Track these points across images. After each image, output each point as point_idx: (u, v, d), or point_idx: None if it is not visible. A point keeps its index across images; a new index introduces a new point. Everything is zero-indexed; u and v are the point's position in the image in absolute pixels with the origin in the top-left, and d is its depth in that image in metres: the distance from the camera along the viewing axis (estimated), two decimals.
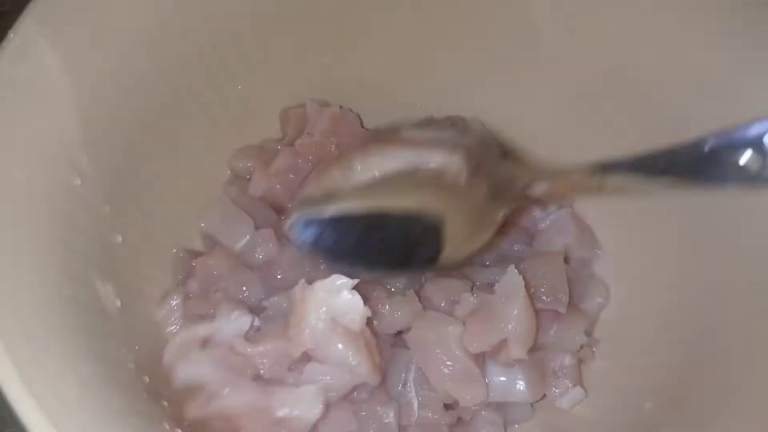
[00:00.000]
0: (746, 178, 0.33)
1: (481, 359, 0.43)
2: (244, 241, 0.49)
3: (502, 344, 0.42)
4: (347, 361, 0.40)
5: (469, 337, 0.42)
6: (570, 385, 0.47)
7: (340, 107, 0.54)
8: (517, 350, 0.42)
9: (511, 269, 0.44)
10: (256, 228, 0.50)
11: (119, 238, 0.43)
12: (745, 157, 0.33)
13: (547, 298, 0.46)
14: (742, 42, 0.42)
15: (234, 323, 0.43)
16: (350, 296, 0.40)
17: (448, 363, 0.42)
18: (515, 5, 0.52)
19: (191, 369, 0.40)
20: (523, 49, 0.53)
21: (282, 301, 0.45)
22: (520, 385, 0.45)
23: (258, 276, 0.48)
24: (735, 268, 0.42)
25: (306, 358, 0.41)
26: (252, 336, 0.43)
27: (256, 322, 0.44)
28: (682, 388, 0.40)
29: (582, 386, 0.47)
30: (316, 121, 0.53)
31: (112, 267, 0.42)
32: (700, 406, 0.38)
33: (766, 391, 0.36)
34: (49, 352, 0.32)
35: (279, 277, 0.48)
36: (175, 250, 0.49)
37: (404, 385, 0.44)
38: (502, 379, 0.44)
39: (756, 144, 0.32)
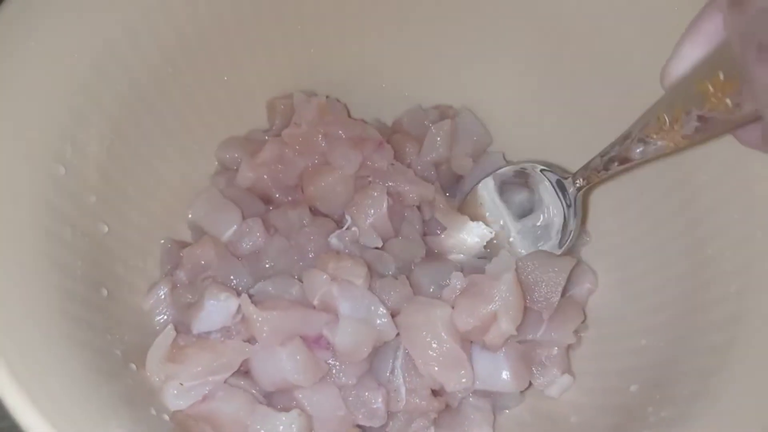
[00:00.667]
0: None
1: (468, 345, 0.43)
2: (231, 230, 0.49)
3: (491, 320, 0.42)
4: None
5: (458, 314, 0.43)
6: (558, 373, 0.47)
7: (327, 97, 0.54)
8: (506, 324, 0.42)
9: (504, 252, 0.44)
10: (243, 218, 0.50)
11: (105, 228, 0.43)
12: None
13: (538, 300, 0.46)
14: None
15: (223, 303, 0.43)
16: None
17: (435, 346, 0.42)
18: None
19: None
20: (511, 38, 0.53)
21: (268, 286, 0.45)
22: (506, 374, 0.45)
23: (245, 265, 0.48)
24: (714, 251, 0.42)
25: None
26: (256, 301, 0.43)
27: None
28: (667, 370, 0.41)
29: (570, 372, 0.47)
30: (303, 112, 0.53)
31: (98, 257, 0.42)
32: (685, 387, 0.38)
33: (749, 371, 0.36)
34: (36, 343, 0.32)
35: (267, 266, 0.48)
36: (162, 241, 0.49)
37: (392, 372, 0.44)
38: (488, 367, 0.44)
39: None
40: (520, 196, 0.51)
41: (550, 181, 0.49)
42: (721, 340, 0.38)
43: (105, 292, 0.41)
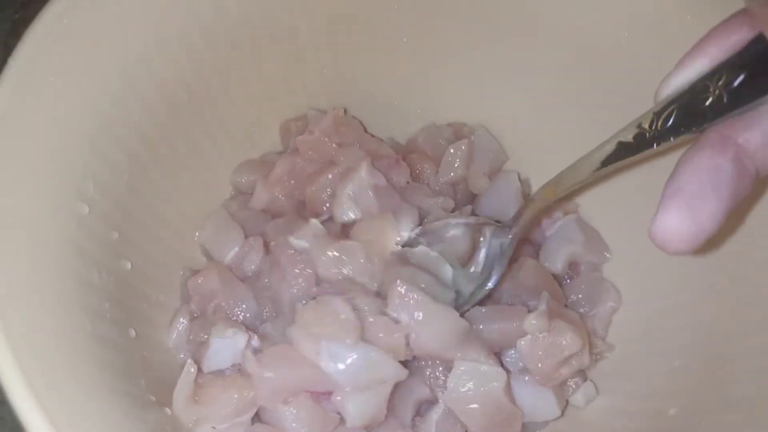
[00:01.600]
0: None
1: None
2: (233, 252, 0.48)
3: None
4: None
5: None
6: (580, 381, 0.47)
7: (345, 111, 0.53)
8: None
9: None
10: (246, 238, 0.48)
11: (129, 265, 0.42)
12: None
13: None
14: None
15: (230, 341, 0.42)
16: None
17: (488, 411, 0.41)
18: (516, 12, 0.51)
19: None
20: (525, 55, 0.53)
21: (268, 327, 0.44)
22: (551, 402, 0.44)
23: (250, 288, 0.47)
24: (760, 261, 0.42)
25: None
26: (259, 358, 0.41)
27: (255, 342, 0.43)
28: (711, 394, 0.40)
29: (591, 380, 0.47)
30: (317, 121, 0.52)
31: (124, 296, 0.40)
32: (726, 413, 0.38)
33: None
34: (79, 398, 0.31)
35: (266, 293, 0.46)
36: (182, 272, 0.48)
37: (420, 416, 0.43)
38: (532, 398, 0.44)
39: None
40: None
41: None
42: (759, 367, 0.38)
43: (133, 332, 0.40)
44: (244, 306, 0.46)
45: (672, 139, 0.33)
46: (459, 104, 0.57)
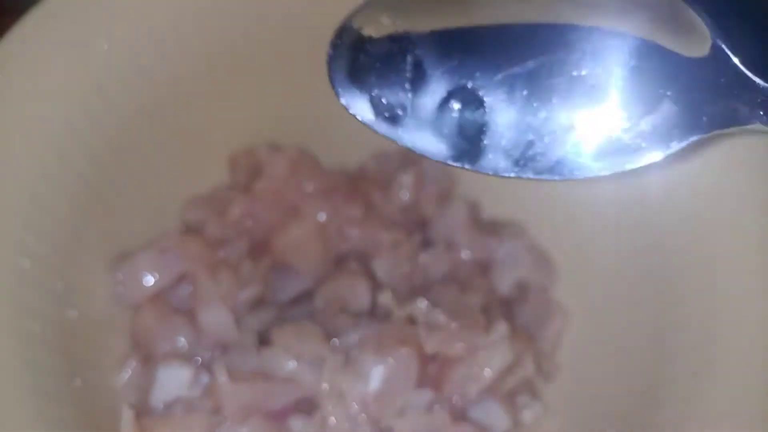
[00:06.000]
0: None
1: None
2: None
3: None
4: None
5: None
6: (528, 399, 0.48)
7: (299, 149, 0.54)
8: None
9: None
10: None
11: (75, 313, 0.42)
12: None
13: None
14: None
15: (175, 372, 0.43)
16: None
17: None
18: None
19: None
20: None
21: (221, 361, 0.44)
22: (498, 412, 0.45)
23: (188, 321, 0.46)
24: (688, 287, 0.44)
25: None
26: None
27: (205, 379, 0.43)
28: (647, 414, 0.42)
29: (540, 399, 0.48)
30: (273, 166, 0.52)
31: (70, 346, 0.40)
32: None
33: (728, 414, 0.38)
34: None
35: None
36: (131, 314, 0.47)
37: None
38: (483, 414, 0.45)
39: None
40: None
41: None
42: (703, 384, 0.39)
43: (79, 381, 0.40)
44: (184, 340, 0.45)
45: None
46: None
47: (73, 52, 0.41)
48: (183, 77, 0.49)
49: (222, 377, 0.41)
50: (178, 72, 0.48)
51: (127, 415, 0.40)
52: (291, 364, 0.42)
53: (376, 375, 0.42)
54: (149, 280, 0.45)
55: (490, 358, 0.44)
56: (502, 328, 0.45)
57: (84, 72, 0.43)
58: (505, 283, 0.52)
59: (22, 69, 0.40)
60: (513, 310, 0.51)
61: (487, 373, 0.44)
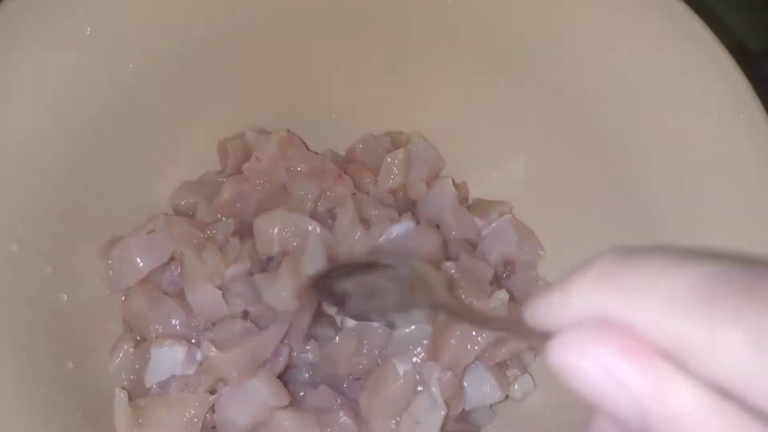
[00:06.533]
0: None
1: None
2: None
3: None
4: None
5: None
6: (518, 372, 0.49)
7: (288, 131, 0.54)
8: None
9: None
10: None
11: (65, 297, 0.43)
12: None
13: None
14: None
15: (167, 350, 0.43)
16: None
17: None
18: (441, 24, 0.52)
19: None
20: (463, 63, 0.53)
21: (209, 335, 0.45)
22: (491, 382, 0.46)
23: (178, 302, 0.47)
24: None
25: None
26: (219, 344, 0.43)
27: (199, 357, 0.44)
28: None
29: (529, 373, 0.49)
30: (263, 147, 0.52)
31: (60, 329, 0.41)
32: None
33: None
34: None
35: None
36: (123, 297, 0.48)
37: None
38: (477, 383, 0.46)
39: None
40: None
41: None
42: None
43: (70, 364, 0.41)
44: (177, 322, 0.46)
45: None
46: (395, 114, 0.57)
47: (56, 35, 0.42)
48: (169, 65, 0.49)
49: (211, 352, 0.42)
50: (164, 60, 0.49)
51: (120, 397, 0.41)
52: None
53: None
54: (139, 264, 0.46)
55: None
56: (503, 295, 0.47)
57: (69, 57, 0.43)
58: (491, 259, 0.52)
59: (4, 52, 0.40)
60: (502, 285, 0.52)
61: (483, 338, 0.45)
